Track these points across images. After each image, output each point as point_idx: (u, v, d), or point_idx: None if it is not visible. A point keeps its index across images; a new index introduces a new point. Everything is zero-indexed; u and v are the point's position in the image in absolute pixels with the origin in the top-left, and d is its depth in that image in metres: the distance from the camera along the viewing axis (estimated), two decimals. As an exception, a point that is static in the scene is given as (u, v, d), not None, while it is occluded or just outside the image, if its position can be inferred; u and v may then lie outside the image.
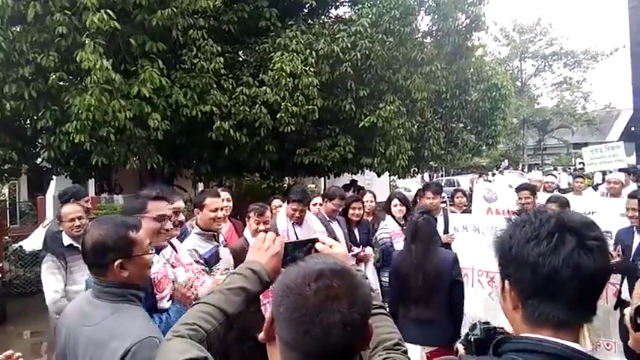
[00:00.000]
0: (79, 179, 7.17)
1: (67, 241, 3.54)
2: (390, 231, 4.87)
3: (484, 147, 11.10)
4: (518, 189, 5.10)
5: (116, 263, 1.67)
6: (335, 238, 4.57)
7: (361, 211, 5.08)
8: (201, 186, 11.44)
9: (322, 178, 12.56)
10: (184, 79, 6.49)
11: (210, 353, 1.07)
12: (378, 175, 9.59)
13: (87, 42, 5.42)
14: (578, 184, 7.16)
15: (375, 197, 5.61)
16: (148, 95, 5.81)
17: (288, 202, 4.41)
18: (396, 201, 5.01)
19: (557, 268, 0.89)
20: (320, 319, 0.82)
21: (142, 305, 1.81)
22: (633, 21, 0.95)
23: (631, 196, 4.34)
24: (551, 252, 0.90)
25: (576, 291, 0.89)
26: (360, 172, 9.18)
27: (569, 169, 25.92)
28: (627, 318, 1.23)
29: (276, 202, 5.18)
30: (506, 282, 0.97)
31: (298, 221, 4.29)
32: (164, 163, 7.03)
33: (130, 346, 1.52)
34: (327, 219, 4.71)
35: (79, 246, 3.37)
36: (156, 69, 5.92)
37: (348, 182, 11.03)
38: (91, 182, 11.21)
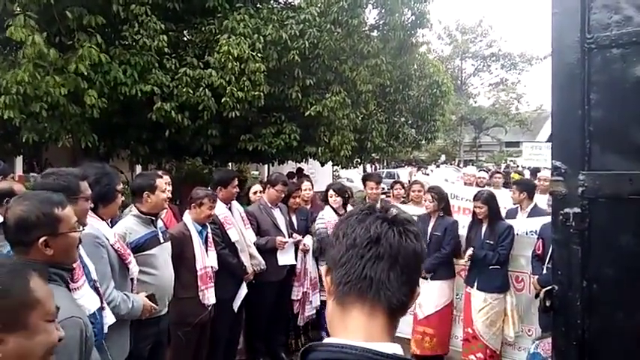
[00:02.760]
0: (6, 156, 6.71)
1: None
2: (326, 221, 4.95)
3: (423, 141, 11.50)
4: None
5: (40, 241, 1.61)
6: (276, 225, 4.64)
7: (299, 201, 5.16)
8: (139, 168, 11.05)
9: (266, 165, 12.49)
10: (124, 56, 6.21)
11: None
12: (322, 165, 9.68)
13: (18, 14, 5.05)
14: (496, 179, 7.71)
15: (312, 186, 5.67)
16: (85, 72, 5.51)
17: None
18: (331, 192, 5.11)
19: (359, 235, 0.87)
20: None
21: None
22: (555, 28, 1.02)
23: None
24: (357, 223, 0.89)
25: (377, 264, 0.86)
26: (304, 160, 9.23)
27: (499, 166, 27.34)
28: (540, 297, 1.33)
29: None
30: (324, 268, 0.96)
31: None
32: (99, 142, 6.72)
33: None
34: (270, 206, 4.72)
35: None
36: (94, 44, 5.63)
37: (294, 170, 11.06)
38: (19, 160, 10.52)
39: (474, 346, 4.60)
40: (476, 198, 4.75)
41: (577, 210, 1.10)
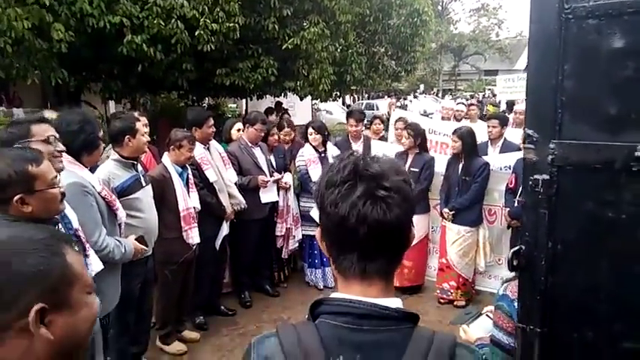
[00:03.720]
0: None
1: None
2: (306, 159, 5.00)
3: (403, 73, 11.35)
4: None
5: (15, 198, 1.62)
6: (257, 165, 4.67)
7: (276, 139, 5.17)
8: (112, 103, 10.74)
9: (244, 100, 12.26)
10: (89, -15, 5.83)
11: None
12: (301, 99, 9.55)
13: None
14: (471, 111, 7.33)
15: (293, 128, 5.64)
16: (47, 3, 5.18)
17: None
18: (310, 130, 5.12)
19: (344, 215, 0.87)
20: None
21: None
22: None
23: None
24: (341, 199, 0.88)
25: (366, 241, 0.88)
26: (282, 94, 9.09)
27: (479, 95, 27.37)
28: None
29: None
30: (317, 232, 0.97)
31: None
32: (69, 77, 6.47)
33: None
34: (250, 145, 4.72)
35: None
36: (55, -28, 5.25)
37: (272, 105, 10.90)
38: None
39: (448, 275, 4.89)
40: (454, 132, 4.83)
41: (546, 177, 1.16)
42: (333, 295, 0.94)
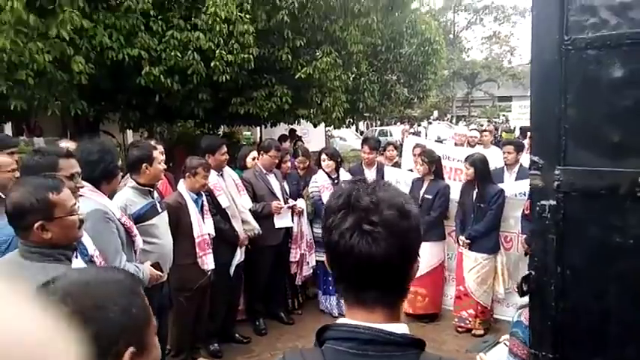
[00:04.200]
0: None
1: None
2: (320, 185, 5.04)
3: (416, 100, 11.45)
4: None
5: (36, 225, 1.67)
6: (271, 191, 4.72)
7: (289, 166, 5.26)
8: (129, 132, 10.97)
9: (258, 127, 12.44)
10: (109, 20, 6.06)
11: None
12: (315, 126, 9.67)
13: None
14: (485, 137, 7.37)
15: (308, 156, 5.68)
16: (68, 37, 5.40)
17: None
18: (324, 156, 5.17)
19: (336, 243, 0.89)
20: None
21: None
22: (535, 28, 1.02)
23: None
24: (334, 227, 0.89)
25: (355, 272, 0.89)
26: (296, 122, 9.21)
27: (493, 122, 27.32)
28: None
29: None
30: (325, 257, 0.99)
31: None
32: (89, 108, 6.67)
33: None
34: (264, 172, 4.78)
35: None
36: (76, 9, 5.48)
37: (287, 132, 11.04)
38: (9, 126, 10.41)
39: (466, 303, 4.81)
40: (465, 159, 4.84)
41: (552, 202, 1.17)
42: (340, 320, 0.95)
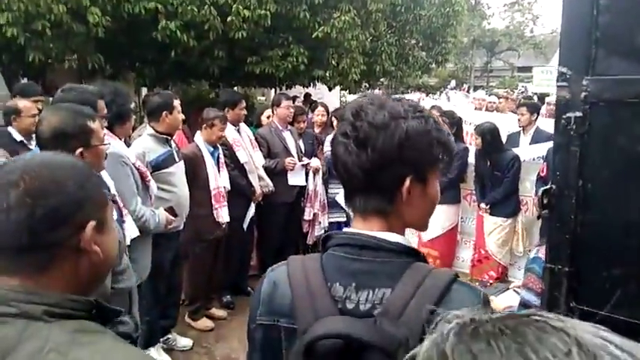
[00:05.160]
0: (12, 76, 6.67)
1: (18, 137, 3.41)
2: None
3: (434, 65, 11.20)
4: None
5: (77, 152, 1.68)
6: (286, 148, 4.70)
7: (305, 124, 5.20)
8: (144, 92, 10.96)
9: (272, 90, 12.34)
10: (126, -29, 5.97)
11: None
12: (330, 89, 9.55)
13: None
14: (501, 104, 7.54)
15: (327, 111, 5.67)
16: (85, -14, 5.34)
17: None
18: (334, 119, 5.14)
19: (332, 154, 0.97)
20: None
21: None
22: None
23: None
24: (332, 137, 0.97)
25: (344, 179, 0.95)
26: (311, 84, 9.09)
27: (512, 92, 26.75)
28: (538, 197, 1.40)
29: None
30: None
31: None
32: (106, 62, 6.64)
33: None
34: (280, 128, 4.75)
35: (28, 143, 3.27)
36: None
37: (302, 96, 10.94)
38: (24, 82, 10.43)
39: (487, 266, 4.85)
40: (475, 128, 4.76)
41: (579, 114, 1.14)
42: (343, 229, 1.01)
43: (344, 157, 0.91)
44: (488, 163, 4.66)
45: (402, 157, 0.89)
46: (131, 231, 2.36)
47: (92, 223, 0.82)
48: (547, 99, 7.71)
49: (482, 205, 4.72)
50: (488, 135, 4.59)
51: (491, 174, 4.66)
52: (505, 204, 4.66)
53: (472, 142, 5.71)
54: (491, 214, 4.70)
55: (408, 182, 0.91)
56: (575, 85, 1.13)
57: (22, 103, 3.50)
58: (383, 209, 0.93)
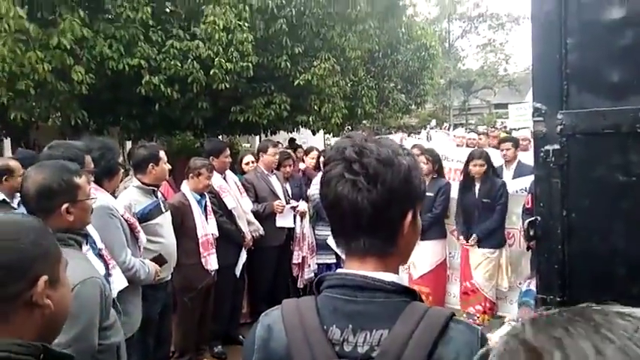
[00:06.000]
0: (-4, 137, 6.68)
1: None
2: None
3: (413, 106, 11.52)
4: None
5: (63, 207, 1.68)
6: (273, 192, 4.73)
7: (291, 168, 5.27)
8: (129, 146, 11.00)
9: (257, 137, 12.50)
10: (109, 30, 6.12)
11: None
12: (313, 133, 9.72)
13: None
14: (481, 141, 7.88)
15: (320, 154, 5.77)
16: (69, 46, 5.45)
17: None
18: (322, 159, 5.20)
19: (325, 195, 0.93)
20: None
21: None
22: None
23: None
24: (325, 179, 0.93)
25: (342, 220, 0.92)
26: (295, 130, 9.25)
27: (493, 128, 27.37)
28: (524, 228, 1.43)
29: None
30: None
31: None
32: (89, 119, 6.70)
33: (72, 286, 1.57)
34: (266, 173, 4.80)
35: (10, 202, 3.25)
36: (77, 18, 5.55)
37: (286, 142, 11.07)
38: (7, 142, 10.43)
39: (473, 299, 4.80)
40: (475, 157, 4.81)
41: (556, 146, 1.19)
42: (337, 271, 1.00)
43: (352, 194, 0.88)
44: (477, 193, 4.71)
45: (406, 191, 0.91)
46: (119, 283, 2.33)
47: (44, 278, 0.86)
48: (515, 133, 8.00)
49: (474, 235, 4.70)
50: (490, 160, 4.72)
51: (480, 202, 4.70)
52: (492, 235, 4.69)
53: (455, 178, 5.82)
54: (479, 246, 4.71)
55: (410, 216, 0.93)
56: (551, 119, 1.20)
57: (13, 163, 3.52)
58: (385, 250, 0.93)
